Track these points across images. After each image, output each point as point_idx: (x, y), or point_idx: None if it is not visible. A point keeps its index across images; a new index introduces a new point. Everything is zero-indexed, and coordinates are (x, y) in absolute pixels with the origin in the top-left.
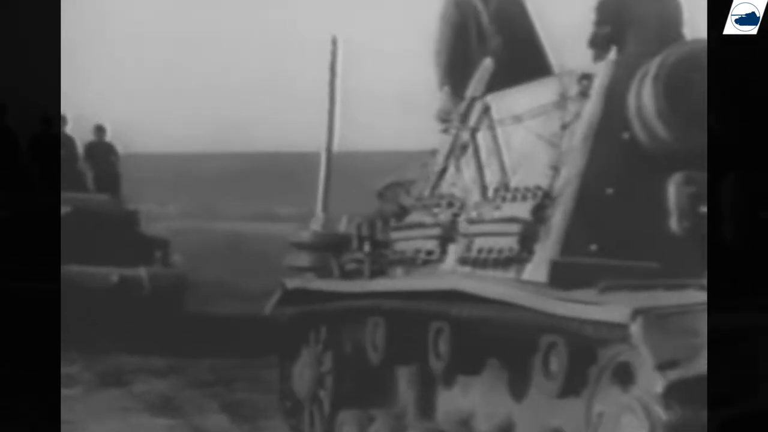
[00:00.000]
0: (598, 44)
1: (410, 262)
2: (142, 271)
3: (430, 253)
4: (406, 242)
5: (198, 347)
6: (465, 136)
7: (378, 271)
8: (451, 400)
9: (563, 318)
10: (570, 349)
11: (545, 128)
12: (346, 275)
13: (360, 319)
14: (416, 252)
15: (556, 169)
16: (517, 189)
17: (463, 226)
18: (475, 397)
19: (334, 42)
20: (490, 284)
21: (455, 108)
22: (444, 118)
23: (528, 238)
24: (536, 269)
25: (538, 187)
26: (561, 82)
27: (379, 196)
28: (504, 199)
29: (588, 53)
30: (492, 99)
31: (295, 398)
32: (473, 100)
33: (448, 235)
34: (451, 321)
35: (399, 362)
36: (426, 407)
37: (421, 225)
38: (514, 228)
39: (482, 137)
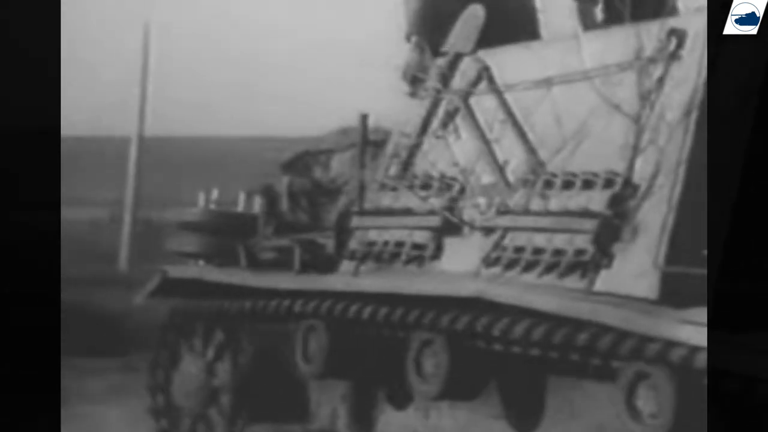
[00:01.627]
0: None
1: (385, 257)
2: None
3: (420, 247)
4: (378, 232)
5: None
6: (452, 101)
7: (313, 264)
8: (402, 424)
9: (683, 346)
10: (676, 382)
11: (608, 95)
12: (258, 265)
13: (282, 323)
14: (397, 245)
15: (636, 149)
16: (573, 174)
17: (484, 217)
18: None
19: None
20: (546, 295)
21: (428, 65)
22: (414, 78)
23: (605, 238)
24: (623, 279)
25: (614, 173)
26: (636, 36)
27: (287, 169)
28: (550, 185)
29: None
30: (491, 56)
31: (175, 414)
32: (458, 56)
33: (446, 226)
34: (452, 334)
35: (341, 377)
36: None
37: (406, 212)
38: (588, 224)
39: (478, 104)
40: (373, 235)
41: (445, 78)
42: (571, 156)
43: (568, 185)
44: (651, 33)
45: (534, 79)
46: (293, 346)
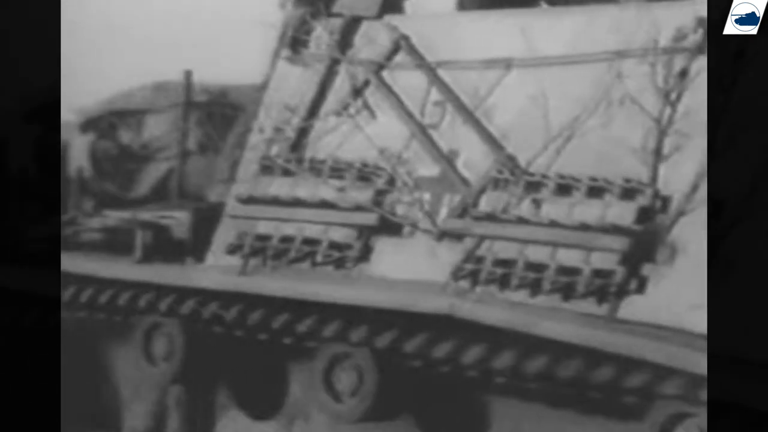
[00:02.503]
0: None
1: (295, 255)
2: None
3: (340, 247)
4: (275, 225)
5: None
6: (357, 73)
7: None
8: None
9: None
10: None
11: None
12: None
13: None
14: (308, 243)
15: (658, 155)
16: (573, 178)
17: (442, 219)
18: None
19: None
20: (567, 323)
21: (314, 26)
22: (294, 40)
23: (637, 258)
24: (665, 307)
25: (638, 182)
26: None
27: (86, 128)
28: (534, 187)
29: None
30: (410, 24)
31: None
32: (356, 20)
33: (379, 225)
34: (382, 351)
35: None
36: None
37: (323, 204)
38: (617, 243)
39: (397, 80)
40: (265, 228)
41: (342, 44)
42: (557, 155)
43: (563, 190)
44: (656, 16)
45: (484, 58)
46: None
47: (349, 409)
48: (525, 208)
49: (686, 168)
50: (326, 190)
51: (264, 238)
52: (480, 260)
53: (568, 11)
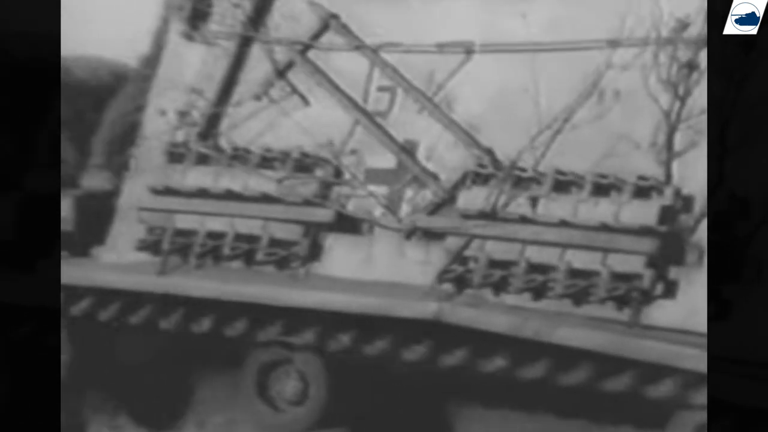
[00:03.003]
0: None
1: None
2: None
3: (288, 244)
4: (199, 219)
5: None
6: (278, 55)
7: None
8: None
9: None
10: None
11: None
12: None
13: None
14: (244, 240)
15: (671, 151)
16: (577, 174)
17: (442, 219)
18: None
19: None
20: (584, 329)
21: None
22: (195, 13)
23: (664, 261)
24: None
25: (654, 180)
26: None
27: None
28: (529, 182)
29: None
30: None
31: None
32: None
33: (338, 221)
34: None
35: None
36: None
37: (261, 197)
38: (644, 244)
39: (329, 62)
40: (186, 222)
41: (256, 23)
42: (546, 150)
43: (561, 188)
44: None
45: (437, 42)
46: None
47: (293, 418)
48: (522, 206)
49: (701, 165)
50: (260, 182)
51: (185, 233)
52: (467, 261)
53: None
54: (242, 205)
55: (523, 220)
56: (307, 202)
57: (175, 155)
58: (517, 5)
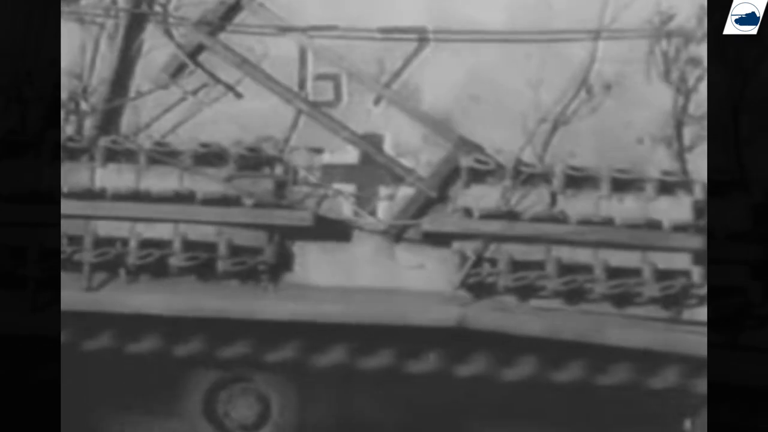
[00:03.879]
0: None
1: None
2: None
3: (251, 252)
4: (129, 226)
5: None
6: (182, 37)
7: None
8: None
9: None
10: None
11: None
12: None
13: None
14: (194, 247)
15: (681, 144)
16: (582, 169)
17: (450, 220)
18: None
19: None
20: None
21: None
22: None
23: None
24: None
25: (681, 174)
26: None
27: None
28: (534, 179)
29: None
30: None
31: None
32: None
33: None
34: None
35: None
36: None
37: (221, 200)
38: (691, 240)
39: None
40: (110, 230)
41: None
42: (546, 144)
43: (573, 183)
44: None
45: (380, 27)
46: None
47: None
48: (538, 204)
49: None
50: (201, 181)
51: (111, 242)
52: (480, 263)
53: None
54: (192, 209)
55: (552, 219)
56: (277, 205)
57: (74, 151)
58: None
